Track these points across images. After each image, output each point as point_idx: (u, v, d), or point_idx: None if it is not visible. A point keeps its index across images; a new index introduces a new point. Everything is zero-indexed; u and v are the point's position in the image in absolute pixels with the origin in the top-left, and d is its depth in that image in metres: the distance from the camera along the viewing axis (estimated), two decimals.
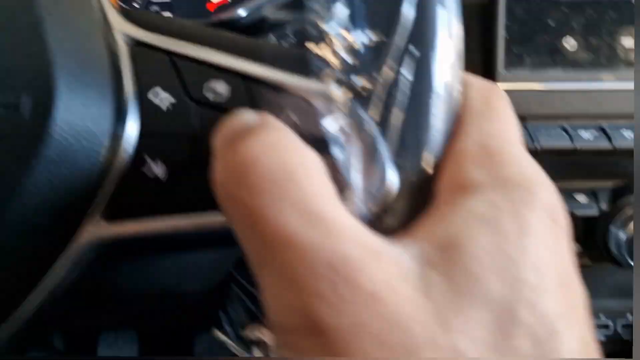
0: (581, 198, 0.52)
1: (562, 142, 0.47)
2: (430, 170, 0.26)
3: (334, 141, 0.26)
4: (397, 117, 0.26)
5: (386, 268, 0.21)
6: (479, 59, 0.50)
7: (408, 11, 0.27)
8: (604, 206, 0.52)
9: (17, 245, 0.27)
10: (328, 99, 0.27)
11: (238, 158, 0.22)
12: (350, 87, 0.27)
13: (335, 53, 0.27)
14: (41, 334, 0.51)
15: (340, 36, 0.27)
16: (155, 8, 0.60)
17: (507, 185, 0.23)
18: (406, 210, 0.26)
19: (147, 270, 0.38)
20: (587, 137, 0.47)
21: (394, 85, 0.27)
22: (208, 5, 0.60)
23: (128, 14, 0.31)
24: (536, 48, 0.48)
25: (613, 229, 0.51)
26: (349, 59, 0.27)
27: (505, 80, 0.49)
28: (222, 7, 0.59)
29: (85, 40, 0.29)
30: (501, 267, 0.21)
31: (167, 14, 0.61)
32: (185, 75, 0.29)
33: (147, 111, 0.28)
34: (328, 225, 0.21)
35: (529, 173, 0.24)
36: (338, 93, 0.27)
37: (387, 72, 0.27)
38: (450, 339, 0.19)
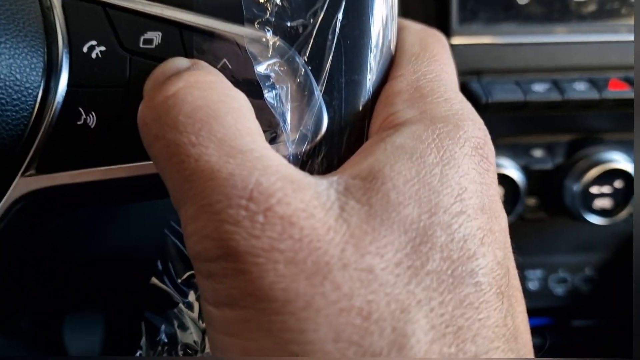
0: (537, 153, 0.53)
1: (514, 96, 0.47)
2: (362, 111, 0.26)
3: (267, 85, 0.26)
4: (330, 59, 0.26)
5: (304, 197, 0.21)
6: (433, 14, 0.49)
7: None
8: (560, 160, 0.53)
9: None
10: (262, 44, 0.26)
11: (161, 97, 0.22)
12: (284, 31, 0.26)
13: None
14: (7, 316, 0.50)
15: None
16: None
17: (434, 121, 0.23)
18: (336, 151, 0.26)
19: (95, 234, 0.38)
20: (539, 90, 0.47)
21: (327, 28, 0.26)
22: None
23: None
24: (490, 2, 0.48)
25: (568, 182, 0.52)
26: (283, 4, 0.26)
27: (459, 34, 0.48)
28: None
29: None
30: (420, 195, 0.21)
31: None
32: (119, 26, 0.28)
33: (81, 63, 0.28)
34: (247, 157, 0.21)
35: (458, 110, 0.24)
36: (272, 38, 0.26)
37: (320, 15, 0.26)
38: (363, 261, 0.20)
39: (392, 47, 0.28)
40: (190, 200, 0.21)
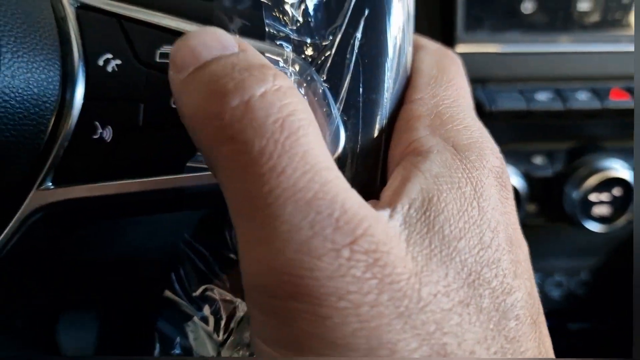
0: (538, 160, 0.54)
1: (518, 104, 0.48)
2: (379, 132, 0.26)
3: None
4: (349, 78, 0.26)
5: (382, 228, 0.20)
6: (439, 22, 0.49)
7: None
8: (560, 167, 0.54)
9: None
10: (281, 60, 0.27)
11: (247, 95, 0.20)
12: (303, 47, 0.27)
13: (288, 14, 0.27)
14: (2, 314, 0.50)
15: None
16: None
17: (458, 150, 0.23)
18: (354, 170, 0.26)
19: (104, 239, 0.38)
20: (542, 99, 0.48)
21: (346, 47, 0.26)
22: None
23: None
24: (495, 10, 0.49)
25: (567, 189, 0.53)
26: (302, 19, 0.27)
27: (464, 42, 0.49)
28: None
29: (30, 3, 0.28)
30: (467, 229, 0.21)
31: None
32: (135, 39, 0.28)
33: (96, 76, 0.28)
34: (329, 177, 0.20)
35: (478, 137, 0.24)
36: (291, 55, 0.27)
37: (339, 34, 0.26)
38: (436, 302, 0.19)
39: (409, 67, 0.28)
40: (262, 219, 0.19)
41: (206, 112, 0.21)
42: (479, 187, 0.22)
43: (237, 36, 0.25)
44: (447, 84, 0.27)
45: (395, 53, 0.27)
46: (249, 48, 0.23)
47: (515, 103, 0.48)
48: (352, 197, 0.20)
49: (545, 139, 0.54)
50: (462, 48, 0.49)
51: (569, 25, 0.49)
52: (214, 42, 0.22)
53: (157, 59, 0.28)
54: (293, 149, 0.19)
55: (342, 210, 0.19)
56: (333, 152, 0.26)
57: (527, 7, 0.49)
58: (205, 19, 0.28)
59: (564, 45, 0.50)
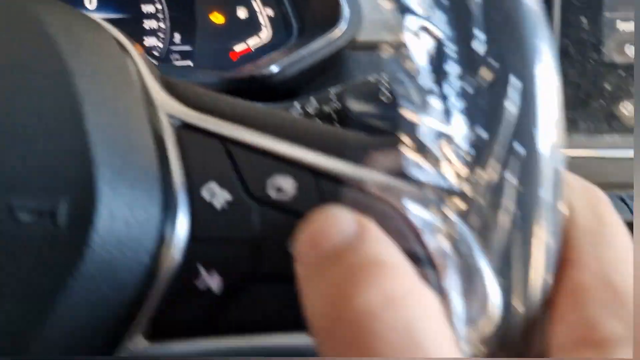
0: None
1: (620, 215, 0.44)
2: (541, 297, 0.22)
3: (429, 259, 0.22)
4: (501, 229, 0.22)
5: None
6: None
7: (511, 106, 0.23)
8: None
9: None
10: (422, 203, 0.23)
11: (352, 313, 0.19)
12: (448, 193, 0.23)
13: (433, 153, 0.23)
14: None
15: (440, 134, 0.23)
16: (176, 56, 0.57)
17: None
18: (509, 341, 0.22)
19: None
20: None
21: (497, 191, 0.23)
22: (231, 55, 0.56)
23: (171, 87, 0.27)
24: (591, 113, 0.45)
25: None
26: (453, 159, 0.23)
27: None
28: (246, 57, 0.56)
29: (127, 124, 0.25)
30: None
31: (187, 62, 0.57)
32: (243, 168, 0.25)
33: (200, 210, 0.24)
34: None
35: None
36: (433, 198, 0.23)
37: (488, 174, 0.23)
38: None
39: (564, 214, 0.24)
40: None
41: (315, 308, 0.20)
42: None
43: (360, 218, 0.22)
44: (610, 240, 0.22)
45: (553, 199, 0.23)
46: (371, 235, 0.21)
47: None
48: None
49: None
50: None
51: None
52: (332, 230, 0.21)
53: (269, 193, 0.24)
54: None
55: None
56: (483, 318, 0.22)
57: (627, 109, 0.45)
58: (323, 147, 0.25)
59: None
